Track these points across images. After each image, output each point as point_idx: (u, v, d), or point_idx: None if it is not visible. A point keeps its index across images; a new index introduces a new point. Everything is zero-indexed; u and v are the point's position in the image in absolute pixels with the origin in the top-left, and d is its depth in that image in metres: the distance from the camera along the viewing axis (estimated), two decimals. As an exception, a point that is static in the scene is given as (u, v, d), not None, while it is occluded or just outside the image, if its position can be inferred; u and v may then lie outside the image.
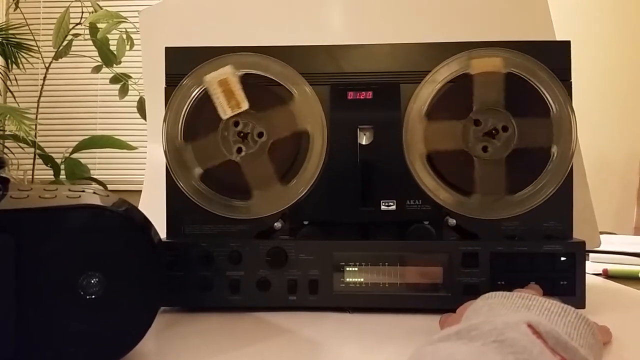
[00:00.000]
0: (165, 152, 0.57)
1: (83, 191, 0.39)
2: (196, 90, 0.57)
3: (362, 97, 0.57)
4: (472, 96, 0.56)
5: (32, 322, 0.36)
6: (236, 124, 0.57)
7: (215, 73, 0.56)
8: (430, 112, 0.56)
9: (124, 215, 0.38)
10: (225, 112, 0.56)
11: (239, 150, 0.57)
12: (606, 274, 0.78)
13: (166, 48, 0.59)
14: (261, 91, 0.57)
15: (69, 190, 0.39)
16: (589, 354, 0.32)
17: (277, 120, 0.57)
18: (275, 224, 0.57)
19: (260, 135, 0.57)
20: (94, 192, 0.39)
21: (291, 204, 0.56)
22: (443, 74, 0.56)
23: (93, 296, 0.37)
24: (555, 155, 0.55)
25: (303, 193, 0.56)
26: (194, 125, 0.57)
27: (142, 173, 0.90)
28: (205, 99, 0.58)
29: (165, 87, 0.58)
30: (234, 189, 0.57)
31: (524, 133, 0.55)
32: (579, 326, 0.35)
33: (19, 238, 0.35)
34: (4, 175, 0.38)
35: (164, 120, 0.57)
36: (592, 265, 0.81)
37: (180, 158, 0.57)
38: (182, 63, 0.58)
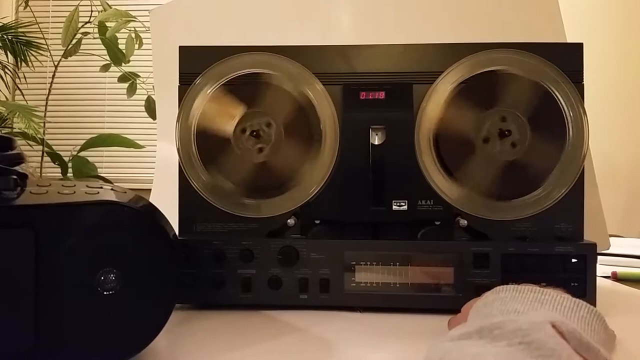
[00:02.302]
0: (178, 150, 0.57)
1: (101, 187, 0.39)
2: (210, 89, 0.58)
3: (374, 97, 0.58)
4: (506, 94, 0.56)
5: (50, 317, 0.36)
6: (243, 130, 0.57)
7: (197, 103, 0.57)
8: (454, 98, 0.57)
9: (142, 212, 0.39)
10: (228, 123, 0.57)
11: (261, 150, 0.57)
12: (615, 277, 0.77)
13: (180, 47, 0.60)
14: (268, 89, 0.58)
15: (87, 186, 0.39)
16: (604, 350, 0.32)
17: (281, 107, 0.57)
18: (289, 220, 0.57)
19: (269, 124, 0.57)
20: (112, 189, 0.40)
21: (303, 203, 0.57)
22: (455, 74, 0.57)
23: (110, 292, 0.37)
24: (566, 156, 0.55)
25: (314, 192, 0.57)
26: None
27: (149, 171, 0.90)
28: (219, 99, 0.58)
29: (178, 86, 0.59)
30: (245, 187, 0.58)
31: (531, 154, 0.55)
32: (592, 321, 0.35)
33: (39, 233, 0.35)
34: (23, 171, 0.38)
35: (177, 120, 0.57)
36: (601, 268, 0.81)
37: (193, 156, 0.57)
38: (195, 62, 0.58)
